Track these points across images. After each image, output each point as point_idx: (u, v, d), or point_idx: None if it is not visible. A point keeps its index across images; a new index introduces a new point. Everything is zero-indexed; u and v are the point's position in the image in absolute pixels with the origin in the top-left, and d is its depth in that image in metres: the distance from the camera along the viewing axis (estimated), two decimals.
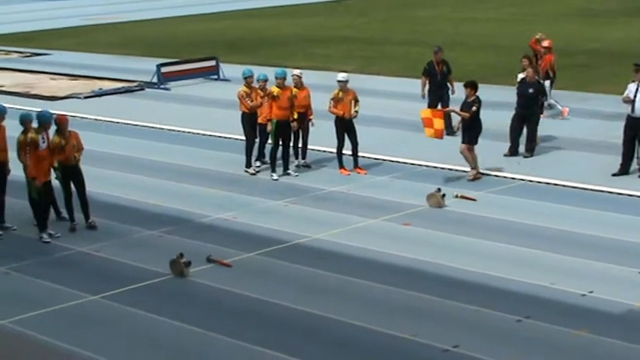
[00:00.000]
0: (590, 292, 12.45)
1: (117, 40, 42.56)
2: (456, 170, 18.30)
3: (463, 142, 17.79)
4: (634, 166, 17.92)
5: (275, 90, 18.23)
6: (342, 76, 18.66)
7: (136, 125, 23.96)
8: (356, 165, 18.68)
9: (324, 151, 19.83)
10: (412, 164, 19.07)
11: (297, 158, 19.16)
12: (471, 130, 17.75)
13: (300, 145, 19.08)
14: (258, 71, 19.55)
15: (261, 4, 56.50)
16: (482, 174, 17.88)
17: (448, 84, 21.34)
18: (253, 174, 18.76)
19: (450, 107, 19.80)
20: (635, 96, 17.58)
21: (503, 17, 45.43)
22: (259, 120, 18.72)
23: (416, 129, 19.97)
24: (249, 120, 18.85)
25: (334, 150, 18.83)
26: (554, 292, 12.50)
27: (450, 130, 19.75)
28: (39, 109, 17.19)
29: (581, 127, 21.78)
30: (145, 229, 15.61)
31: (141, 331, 11.84)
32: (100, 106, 26.86)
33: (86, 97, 28.28)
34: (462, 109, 17.94)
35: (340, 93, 18.47)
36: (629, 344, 10.99)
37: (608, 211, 15.85)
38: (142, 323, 12.07)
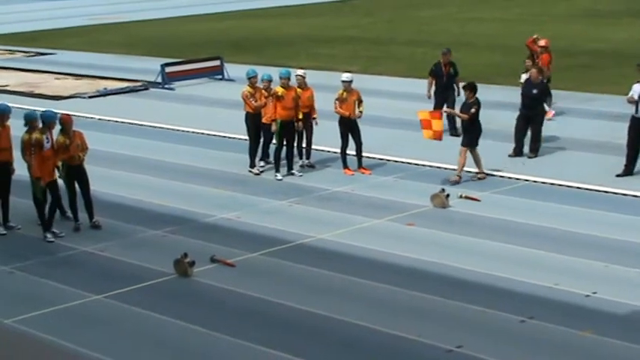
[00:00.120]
0: (594, 292, 12.44)
1: (121, 39, 42.57)
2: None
3: (462, 145, 17.77)
4: (638, 167, 17.90)
5: (279, 90, 18.24)
6: (346, 76, 18.66)
7: (140, 125, 23.97)
8: (360, 165, 18.67)
9: (328, 152, 19.81)
10: (416, 164, 19.06)
11: (301, 158, 19.16)
12: (470, 133, 17.73)
13: (304, 145, 19.09)
14: (262, 71, 19.54)
15: (265, 4, 56.46)
16: (487, 174, 17.87)
17: (454, 85, 21.32)
18: (257, 174, 18.76)
19: (449, 108, 19.79)
20: (639, 97, 17.56)
21: (510, 17, 45.38)
22: (263, 120, 18.71)
23: (420, 129, 19.91)
24: (253, 120, 18.85)
25: (338, 150, 18.83)
26: (558, 292, 12.49)
27: (454, 131, 19.71)
28: (43, 109, 17.19)
29: (585, 128, 21.76)
30: (149, 229, 15.61)
31: (145, 331, 11.85)
32: (105, 105, 26.87)
33: (90, 97, 28.28)
34: (461, 111, 17.94)
35: (344, 93, 18.47)
36: (634, 345, 10.97)
37: (612, 212, 15.83)
38: (145, 323, 12.07)
